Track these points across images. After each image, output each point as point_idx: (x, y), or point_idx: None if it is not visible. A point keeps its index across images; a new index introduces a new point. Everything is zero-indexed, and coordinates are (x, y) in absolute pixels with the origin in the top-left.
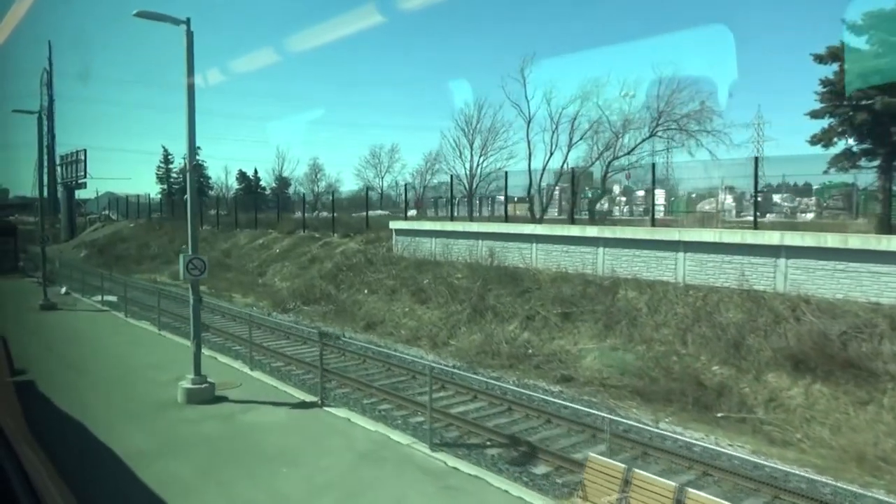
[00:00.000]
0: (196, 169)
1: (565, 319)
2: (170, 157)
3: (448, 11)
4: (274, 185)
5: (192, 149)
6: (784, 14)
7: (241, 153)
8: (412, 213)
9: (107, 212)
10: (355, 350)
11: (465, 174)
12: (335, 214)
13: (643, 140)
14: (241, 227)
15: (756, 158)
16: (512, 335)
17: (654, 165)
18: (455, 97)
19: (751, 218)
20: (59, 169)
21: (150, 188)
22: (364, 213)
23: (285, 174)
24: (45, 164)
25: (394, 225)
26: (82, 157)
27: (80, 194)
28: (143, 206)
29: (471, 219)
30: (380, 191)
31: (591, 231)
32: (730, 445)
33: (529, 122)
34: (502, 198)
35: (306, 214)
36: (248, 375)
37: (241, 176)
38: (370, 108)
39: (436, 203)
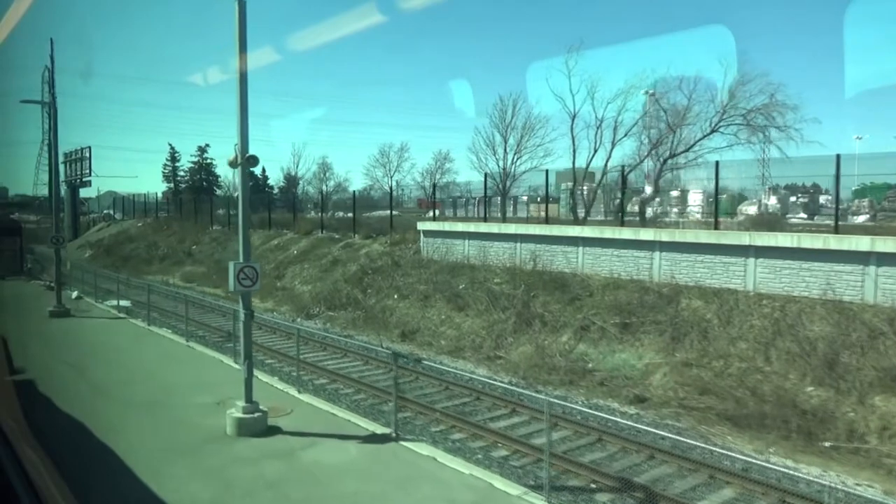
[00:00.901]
0: (251, 161)
1: (624, 330)
2: (176, 154)
3: (448, 12)
4: (283, 183)
5: (245, 137)
6: (783, 13)
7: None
8: (435, 213)
9: (108, 211)
10: (402, 365)
11: (498, 172)
12: (356, 214)
13: (704, 136)
14: (254, 227)
15: (838, 156)
16: (566, 347)
17: (717, 164)
18: (455, 97)
19: (798, 220)
20: (62, 166)
21: (152, 187)
22: (376, 213)
23: (295, 173)
24: (53, 159)
25: (422, 226)
26: (87, 155)
27: (82, 193)
28: (148, 205)
29: (504, 220)
30: (389, 190)
31: (646, 234)
32: (857, 485)
33: (574, 118)
34: (525, 198)
35: (319, 214)
36: (296, 399)
37: (249, 175)
38: (374, 108)
39: (454, 203)
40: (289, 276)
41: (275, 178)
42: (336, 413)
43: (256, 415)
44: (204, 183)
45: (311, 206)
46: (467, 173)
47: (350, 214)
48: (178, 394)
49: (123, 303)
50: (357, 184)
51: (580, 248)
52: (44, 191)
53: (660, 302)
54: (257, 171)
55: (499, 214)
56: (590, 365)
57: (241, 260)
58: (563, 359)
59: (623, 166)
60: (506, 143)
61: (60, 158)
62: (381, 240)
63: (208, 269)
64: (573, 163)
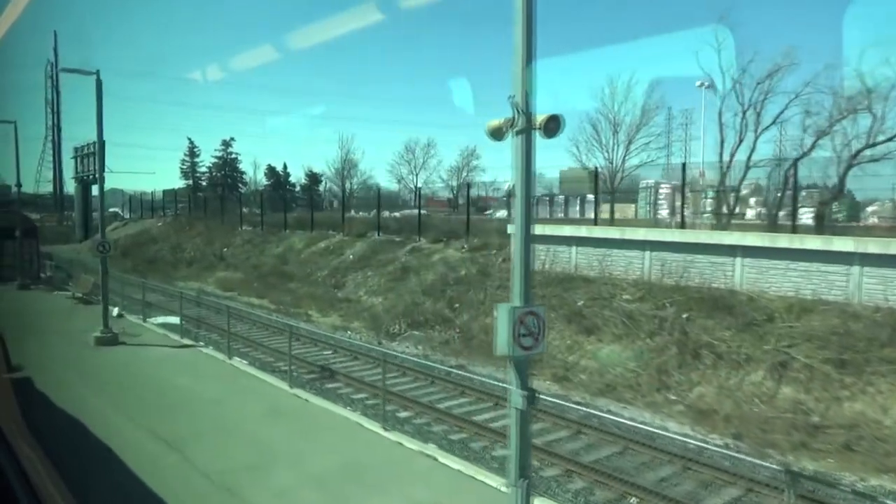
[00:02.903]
0: (551, 125)
1: (843, 370)
2: (196, 149)
3: (446, 11)
4: (305, 181)
5: (528, 83)
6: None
7: (257, 149)
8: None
9: (116, 209)
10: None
11: (605, 166)
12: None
13: None
14: (290, 227)
15: None
16: (764, 390)
17: None
18: (455, 95)
19: None
20: (73, 162)
21: (159, 184)
22: (405, 212)
23: (342, 167)
24: (98, 151)
25: (513, 229)
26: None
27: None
28: (164, 203)
29: (612, 223)
30: (415, 188)
31: (842, 244)
32: None
33: (724, 100)
34: (593, 197)
35: (357, 213)
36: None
37: (270, 171)
38: (373, 105)
39: (508, 203)
40: (350, 285)
41: (298, 175)
42: None
43: None
44: (228, 180)
45: (353, 206)
46: (494, 171)
47: (382, 213)
48: (341, 495)
49: (171, 320)
50: (378, 181)
51: (737, 259)
52: (47, 188)
53: (878, 332)
54: (279, 167)
55: (567, 215)
56: (813, 418)
57: (518, 302)
58: (768, 407)
59: (796, 159)
60: (616, 133)
61: (70, 154)
62: (454, 244)
63: (247, 276)
64: (720, 155)
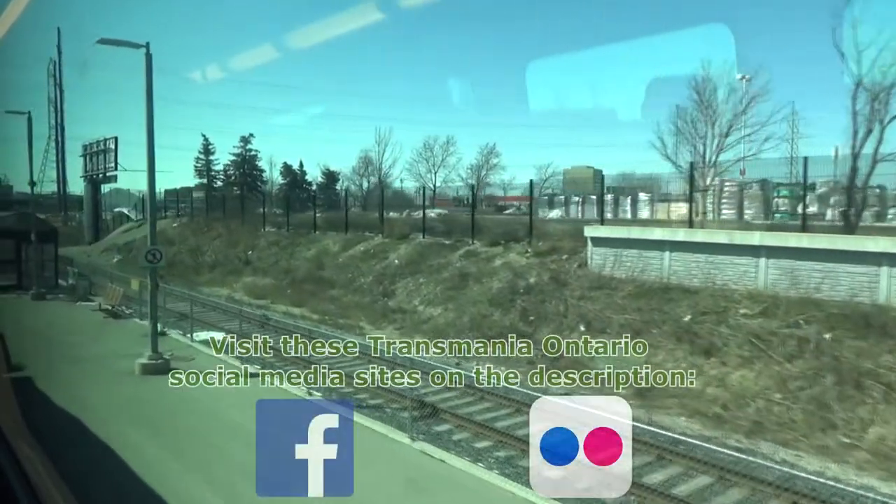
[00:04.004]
0: None
1: None
2: (210, 146)
3: (446, 9)
4: (322, 179)
5: None
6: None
7: (264, 148)
8: (603, 214)
9: (123, 209)
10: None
11: (695, 161)
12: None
13: None
14: (320, 228)
15: None
16: None
17: None
18: (455, 93)
19: None
20: (82, 160)
21: (169, 182)
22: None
23: (380, 162)
24: (148, 149)
25: (591, 232)
26: (112, 147)
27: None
28: (169, 203)
29: (702, 225)
30: (433, 187)
31: None
32: None
33: (858, 86)
34: (645, 196)
35: (386, 214)
36: None
37: (287, 170)
38: (375, 104)
39: (550, 202)
40: (401, 293)
41: (315, 174)
42: None
43: None
44: (248, 178)
45: (371, 205)
46: (513, 169)
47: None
48: None
49: (216, 335)
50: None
51: (884, 269)
52: (51, 187)
53: None
54: (295, 164)
55: (617, 215)
56: None
57: None
58: None
59: None
60: (713, 125)
61: (79, 151)
62: (515, 247)
63: (278, 281)
64: (853, 147)
